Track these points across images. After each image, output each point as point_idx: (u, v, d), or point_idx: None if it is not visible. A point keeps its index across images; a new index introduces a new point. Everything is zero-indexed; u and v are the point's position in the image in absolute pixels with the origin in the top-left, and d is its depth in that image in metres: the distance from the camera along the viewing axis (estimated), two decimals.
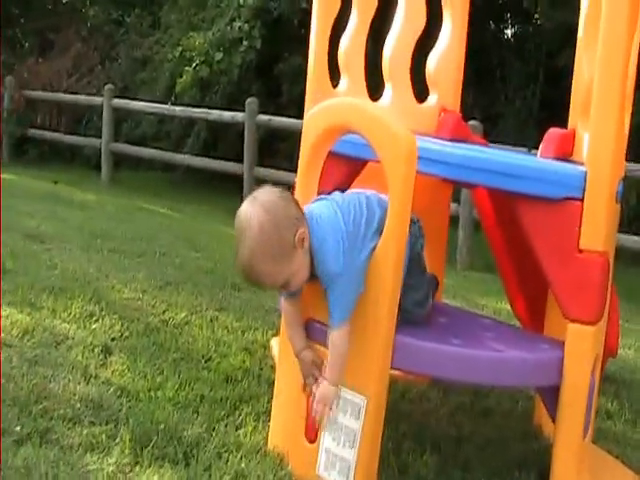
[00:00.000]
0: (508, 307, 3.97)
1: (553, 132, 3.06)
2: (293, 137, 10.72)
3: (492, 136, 9.21)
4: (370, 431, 2.61)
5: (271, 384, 3.15)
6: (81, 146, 15.26)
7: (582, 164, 2.73)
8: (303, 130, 2.86)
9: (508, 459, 3.10)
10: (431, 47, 3.64)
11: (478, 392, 3.73)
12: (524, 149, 7.60)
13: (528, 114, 14.40)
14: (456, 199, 8.68)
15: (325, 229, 2.58)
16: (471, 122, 8.41)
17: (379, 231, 2.61)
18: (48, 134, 15.63)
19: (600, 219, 2.64)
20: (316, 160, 2.82)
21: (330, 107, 2.79)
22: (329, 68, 3.40)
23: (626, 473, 3.09)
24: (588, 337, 2.70)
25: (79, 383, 3.27)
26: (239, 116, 11.74)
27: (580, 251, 2.66)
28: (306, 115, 2.97)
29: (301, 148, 2.85)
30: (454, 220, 8.44)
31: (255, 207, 2.52)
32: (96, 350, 3.66)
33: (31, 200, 8.53)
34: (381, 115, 2.65)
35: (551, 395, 2.78)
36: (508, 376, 2.75)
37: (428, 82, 3.64)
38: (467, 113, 3.85)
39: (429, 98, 3.63)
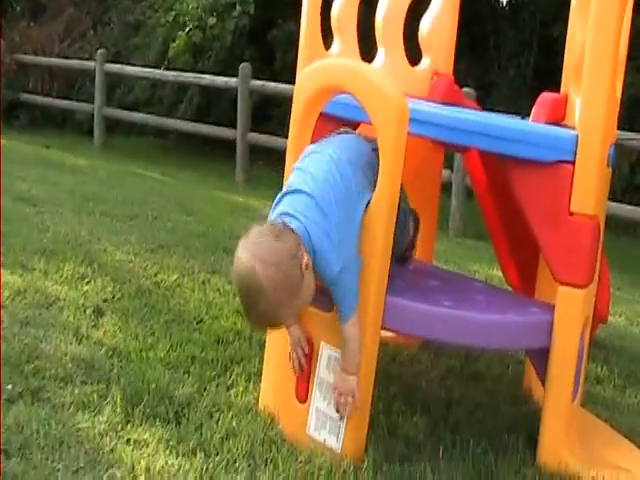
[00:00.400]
0: (500, 274, 3.99)
1: (545, 97, 3.04)
2: (287, 103, 10.64)
3: (486, 104, 9.16)
4: (361, 391, 2.62)
5: (262, 346, 3.17)
6: (73, 111, 15.14)
7: (574, 129, 2.72)
8: (295, 90, 2.84)
9: (498, 422, 3.12)
10: (424, 10, 3.62)
11: (469, 356, 3.75)
12: (517, 117, 7.58)
13: (522, 83, 14.33)
14: (449, 166, 8.68)
15: (315, 234, 2.50)
16: (465, 89, 8.37)
17: (360, 192, 2.59)
18: (40, 99, 15.48)
19: (591, 182, 2.65)
20: (308, 120, 2.81)
21: (322, 67, 2.78)
22: (322, 30, 3.38)
23: (614, 436, 3.11)
24: (578, 300, 2.72)
25: (71, 343, 3.29)
26: (232, 81, 11.65)
27: (571, 214, 2.66)
28: (298, 76, 2.96)
29: (293, 108, 2.83)
30: (447, 187, 8.45)
31: (256, 265, 2.39)
32: (88, 311, 3.67)
33: (23, 164, 8.51)
34: (373, 76, 2.64)
35: (541, 359, 2.80)
36: (498, 338, 2.76)
37: (421, 45, 3.63)
38: (461, 81, 3.83)
39: (422, 61, 3.62)
